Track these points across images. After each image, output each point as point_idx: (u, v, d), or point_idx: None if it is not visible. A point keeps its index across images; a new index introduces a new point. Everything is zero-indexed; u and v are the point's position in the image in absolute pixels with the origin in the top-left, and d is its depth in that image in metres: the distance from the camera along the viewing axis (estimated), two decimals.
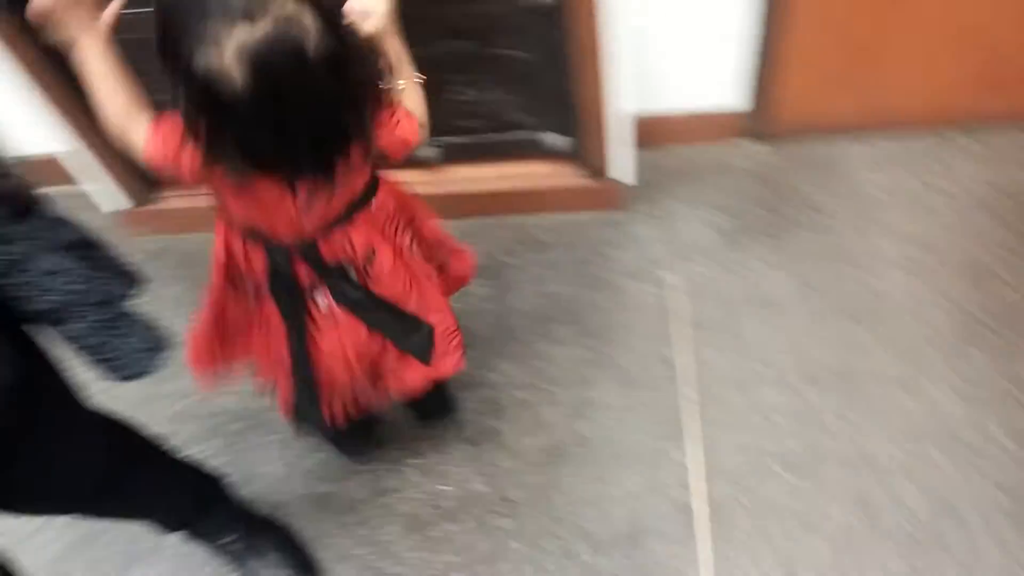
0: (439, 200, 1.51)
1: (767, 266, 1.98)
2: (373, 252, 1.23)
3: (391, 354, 1.37)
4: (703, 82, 2.09)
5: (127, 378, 1.02)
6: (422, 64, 1.18)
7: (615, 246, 2.06)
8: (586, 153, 1.99)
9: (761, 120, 2.16)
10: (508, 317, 1.95)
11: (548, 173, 2.08)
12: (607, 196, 2.07)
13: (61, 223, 0.96)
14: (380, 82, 1.09)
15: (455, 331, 1.42)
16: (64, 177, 2.10)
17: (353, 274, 1.24)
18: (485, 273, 1.97)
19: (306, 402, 1.37)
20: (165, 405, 1.87)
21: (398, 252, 1.28)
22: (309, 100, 0.95)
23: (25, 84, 1.83)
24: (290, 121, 0.96)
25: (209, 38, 0.87)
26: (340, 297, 1.25)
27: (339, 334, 1.29)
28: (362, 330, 1.30)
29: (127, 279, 1.02)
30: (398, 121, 1.13)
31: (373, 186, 1.22)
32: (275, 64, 0.89)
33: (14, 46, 1.77)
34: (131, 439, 1.32)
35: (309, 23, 0.90)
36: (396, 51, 1.14)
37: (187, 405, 1.89)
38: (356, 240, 1.21)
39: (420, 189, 1.38)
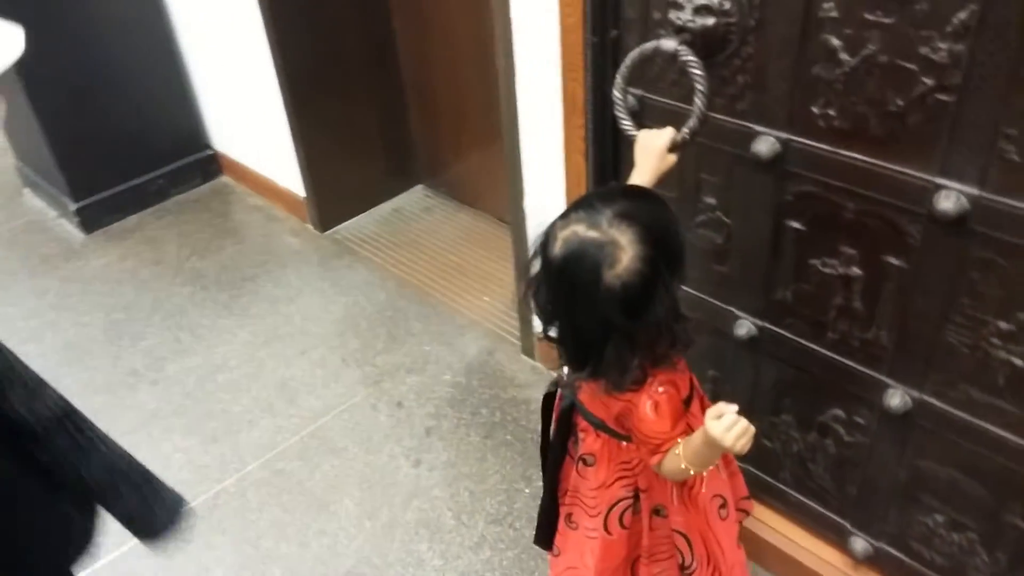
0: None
1: None
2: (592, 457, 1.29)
3: None
4: None
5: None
6: None
7: None
8: None
9: None
10: None
11: None
12: None
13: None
14: (660, 350, 1.12)
15: None
16: None
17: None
18: None
19: None
20: None
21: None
22: (583, 311, 1.07)
23: None
24: (564, 316, 1.11)
25: (558, 226, 1.07)
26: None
27: None
28: None
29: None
30: (654, 406, 1.14)
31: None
32: (571, 269, 1.05)
33: None
34: None
35: (626, 256, 1.02)
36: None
37: None
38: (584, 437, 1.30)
39: None
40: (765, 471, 1.74)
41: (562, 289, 1.08)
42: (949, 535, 1.47)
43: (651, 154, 1.26)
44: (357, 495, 2.07)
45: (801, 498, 1.70)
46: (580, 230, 1.04)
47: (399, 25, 2.91)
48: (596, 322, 1.07)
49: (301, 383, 2.41)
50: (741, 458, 1.73)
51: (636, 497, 1.30)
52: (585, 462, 1.30)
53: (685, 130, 1.25)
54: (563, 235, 1.05)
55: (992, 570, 1.44)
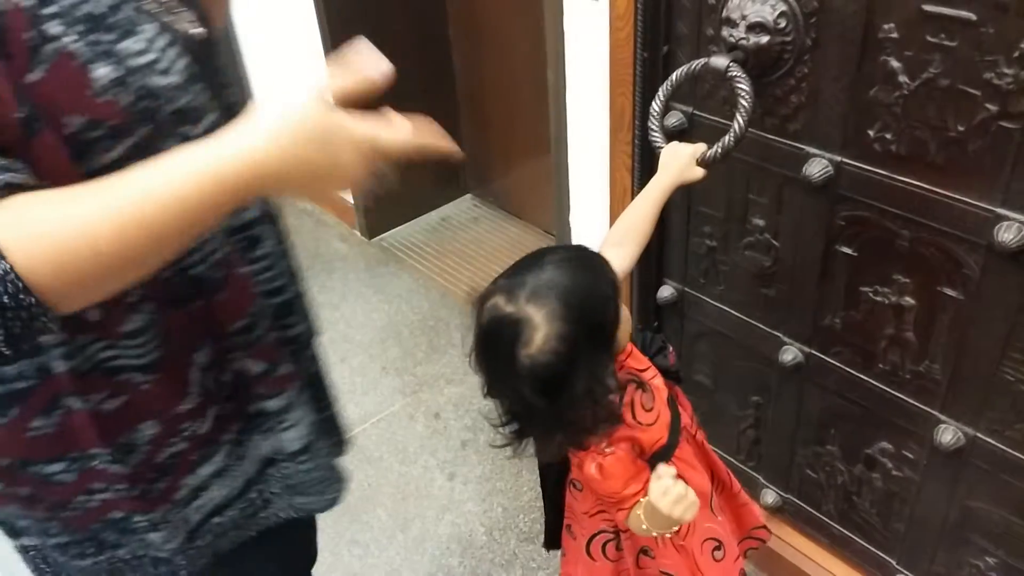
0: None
1: None
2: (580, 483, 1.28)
3: None
4: None
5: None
6: None
7: None
8: None
9: None
10: None
11: None
12: None
13: None
14: (587, 426, 1.05)
15: None
16: None
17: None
18: None
19: None
20: None
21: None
22: (503, 385, 1.04)
23: None
24: (491, 385, 1.06)
25: (486, 293, 1.01)
26: None
27: None
28: None
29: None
30: (598, 468, 1.09)
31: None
32: (491, 343, 1.00)
33: None
34: None
35: (539, 335, 0.95)
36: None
37: None
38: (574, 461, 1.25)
39: None
40: (808, 503, 1.69)
41: (485, 360, 1.03)
42: None
43: (676, 161, 1.23)
44: (390, 506, 2.06)
45: (845, 532, 1.64)
46: (500, 303, 0.98)
47: (454, 36, 2.91)
48: (516, 398, 1.03)
49: (340, 390, 2.39)
50: (784, 488, 1.70)
51: (617, 533, 1.26)
52: (575, 486, 1.28)
53: (718, 146, 1.21)
54: (487, 305, 1.00)
55: None
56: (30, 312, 0.59)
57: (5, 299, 0.58)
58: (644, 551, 1.28)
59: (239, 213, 0.86)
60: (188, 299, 0.83)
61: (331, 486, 1.08)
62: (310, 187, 0.74)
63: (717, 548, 1.29)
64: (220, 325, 0.87)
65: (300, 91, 0.70)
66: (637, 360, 1.17)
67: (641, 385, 1.13)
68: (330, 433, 1.14)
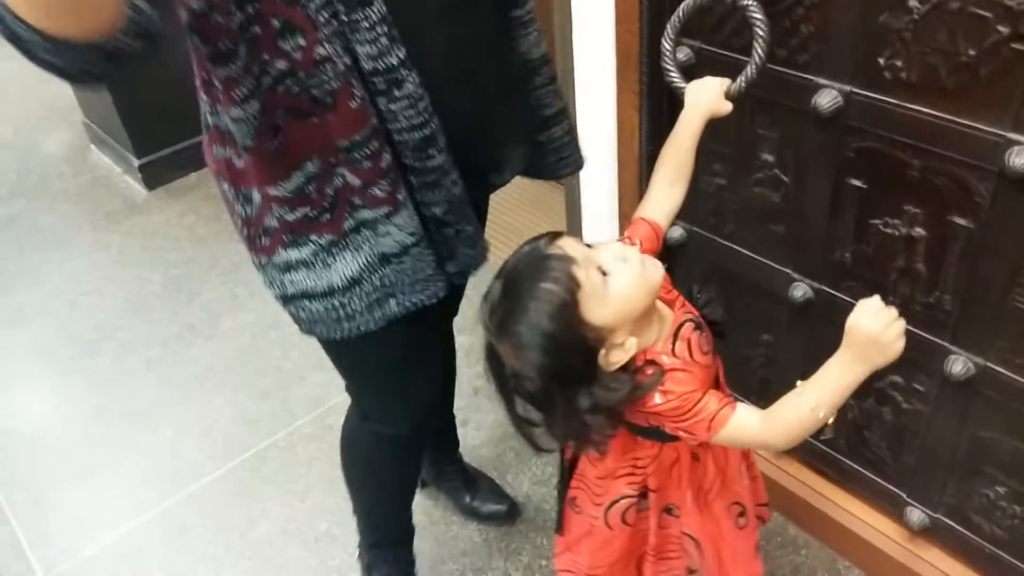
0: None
1: None
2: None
3: None
4: None
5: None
6: None
7: None
8: None
9: None
10: None
11: None
12: None
13: None
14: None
15: None
16: None
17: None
18: None
19: None
20: None
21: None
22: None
23: None
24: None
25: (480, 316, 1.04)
26: None
27: None
28: None
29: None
30: (663, 394, 1.04)
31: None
32: (489, 362, 1.07)
33: None
34: None
35: (517, 364, 1.01)
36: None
37: None
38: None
39: None
40: (818, 437, 1.70)
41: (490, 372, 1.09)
42: (1011, 507, 1.42)
43: (705, 95, 1.20)
44: None
45: (856, 467, 1.65)
46: (487, 331, 1.03)
47: None
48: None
49: None
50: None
51: (643, 495, 1.23)
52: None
53: (742, 78, 1.19)
54: (482, 327, 1.05)
55: None
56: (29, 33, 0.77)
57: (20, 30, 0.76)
58: (668, 510, 1.25)
59: (383, 57, 0.98)
60: (306, 114, 1.02)
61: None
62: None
63: (741, 514, 1.29)
64: (330, 139, 1.03)
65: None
66: (691, 307, 1.17)
67: (700, 326, 1.13)
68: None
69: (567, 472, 1.30)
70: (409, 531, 1.72)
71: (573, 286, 0.96)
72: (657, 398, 1.03)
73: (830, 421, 1.01)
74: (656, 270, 1.03)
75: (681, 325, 1.10)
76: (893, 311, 0.96)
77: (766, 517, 1.45)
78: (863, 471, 1.65)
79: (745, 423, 1.03)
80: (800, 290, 1.51)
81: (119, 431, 2.28)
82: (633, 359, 1.03)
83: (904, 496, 1.59)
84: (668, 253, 1.77)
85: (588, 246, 1.03)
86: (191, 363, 2.46)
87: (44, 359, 2.57)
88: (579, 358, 0.99)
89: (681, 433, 1.06)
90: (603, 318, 0.98)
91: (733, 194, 1.56)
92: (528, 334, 0.97)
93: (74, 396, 2.43)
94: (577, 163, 1.39)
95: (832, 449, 1.68)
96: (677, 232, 1.70)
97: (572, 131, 1.37)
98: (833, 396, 0.99)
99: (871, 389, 1.52)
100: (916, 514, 1.56)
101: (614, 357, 1.01)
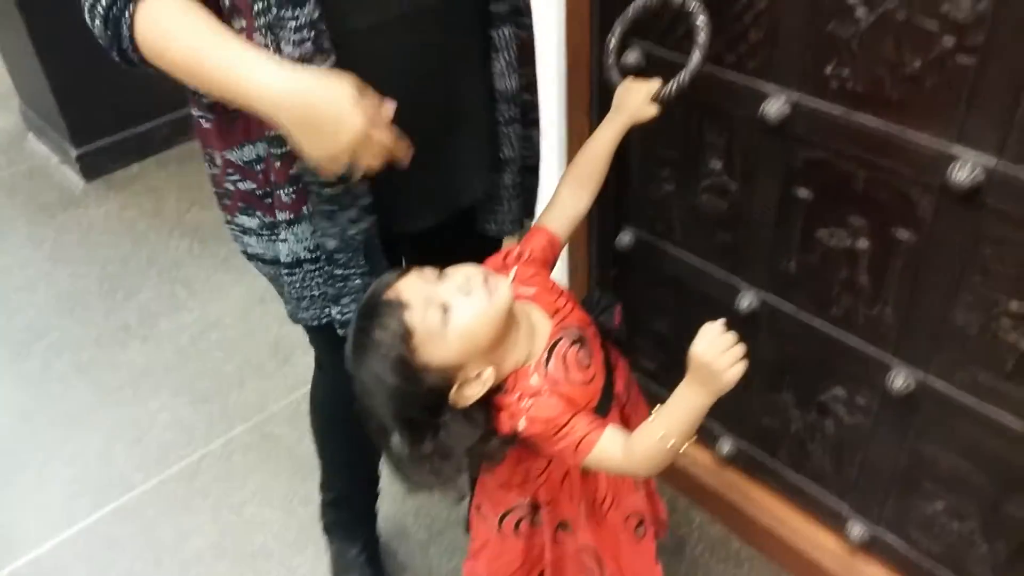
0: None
1: None
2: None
3: None
4: None
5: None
6: None
7: None
8: None
9: None
10: None
11: None
12: None
13: None
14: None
15: None
16: None
17: None
18: None
19: None
20: None
21: None
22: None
23: None
24: None
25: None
26: None
27: None
28: None
29: None
30: (528, 421, 1.01)
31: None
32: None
33: None
34: None
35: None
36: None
37: None
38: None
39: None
40: (762, 449, 1.69)
41: None
42: (949, 523, 1.41)
43: (630, 99, 1.20)
44: None
45: (799, 480, 1.65)
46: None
47: None
48: None
49: (295, 343, 2.36)
50: (739, 436, 1.69)
51: (536, 509, 1.21)
52: None
53: (673, 83, 1.17)
54: None
55: (991, 561, 1.38)
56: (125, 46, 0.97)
57: (124, 30, 0.97)
58: (562, 525, 1.23)
59: (305, 62, 0.98)
60: None
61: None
62: (300, 137, 0.92)
63: (639, 525, 1.26)
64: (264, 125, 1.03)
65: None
66: (580, 317, 1.14)
67: (580, 340, 1.09)
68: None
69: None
70: (373, 489, 1.72)
71: (406, 334, 0.94)
72: (521, 424, 1.01)
73: (684, 448, 0.98)
74: (501, 299, 0.98)
75: (557, 342, 1.06)
76: (731, 337, 0.93)
77: (662, 535, 1.43)
78: (805, 484, 1.64)
79: (609, 450, 1.01)
80: (746, 300, 1.50)
81: (46, 437, 2.18)
82: (505, 380, 1.01)
83: (846, 510, 1.58)
84: (617, 259, 1.75)
85: (441, 273, 1.00)
86: (126, 366, 2.38)
87: None
88: (425, 402, 0.98)
89: (554, 456, 1.05)
90: (445, 358, 0.95)
91: (682, 200, 1.54)
92: (372, 383, 0.97)
93: None
94: (500, 228, 1.30)
95: (775, 459, 1.67)
96: (627, 238, 1.68)
97: (519, 189, 1.29)
98: (680, 424, 0.97)
99: (815, 402, 1.51)
100: (857, 528, 1.56)
101: (469, 391, 0.99)
